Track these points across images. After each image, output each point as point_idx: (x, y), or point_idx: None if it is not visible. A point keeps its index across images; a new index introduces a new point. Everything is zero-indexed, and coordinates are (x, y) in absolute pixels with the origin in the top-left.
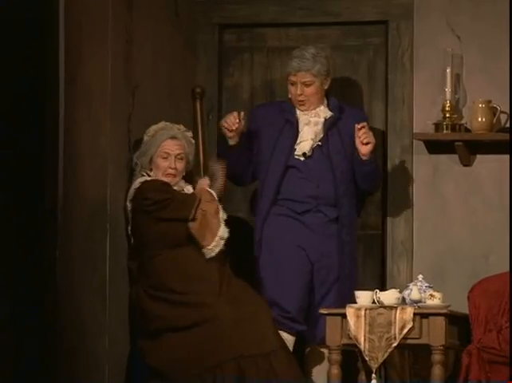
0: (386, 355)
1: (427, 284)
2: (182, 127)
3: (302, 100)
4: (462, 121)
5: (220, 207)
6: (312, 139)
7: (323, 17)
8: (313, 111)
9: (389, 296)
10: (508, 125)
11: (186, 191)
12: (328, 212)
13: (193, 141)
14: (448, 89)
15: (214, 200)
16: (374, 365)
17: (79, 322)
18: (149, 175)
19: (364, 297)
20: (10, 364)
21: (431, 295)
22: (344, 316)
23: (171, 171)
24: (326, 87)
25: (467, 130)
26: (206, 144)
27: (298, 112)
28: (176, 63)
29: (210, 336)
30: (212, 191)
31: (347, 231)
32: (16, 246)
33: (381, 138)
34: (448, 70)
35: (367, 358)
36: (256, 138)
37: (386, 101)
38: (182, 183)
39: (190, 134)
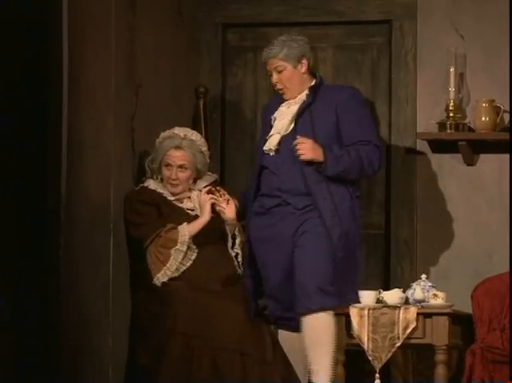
0: (389, 355)
1: (430, 284)
2: (190, 133)
3: (281, 89)
4: (466, 121)
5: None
6: (278, 132)
7: (326, 17)
8: (294, 100)
9: (392, 296)
10: None
11: (191, 198)
12: (297, 202)
13: (203, 148)
14: (452, 89)
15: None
16: (377, 365)
17: (82, 322)
18: (158, 179)
19: (367, 296)
20: (13, 364)
21: (435, 295)
22: (347, 316)
23: (172, 181)
24: (303, 70)
25: (471, 129)
26: (210, 143)
27: (284, 103)
28: (179, 62)
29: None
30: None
31: (327, 215)
32: (19, 246)
33: (388, 137)
34: (452, 70)
35: (370, 358)
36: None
37: (389, 101)
38: (187, 190)
39: (199, 142)
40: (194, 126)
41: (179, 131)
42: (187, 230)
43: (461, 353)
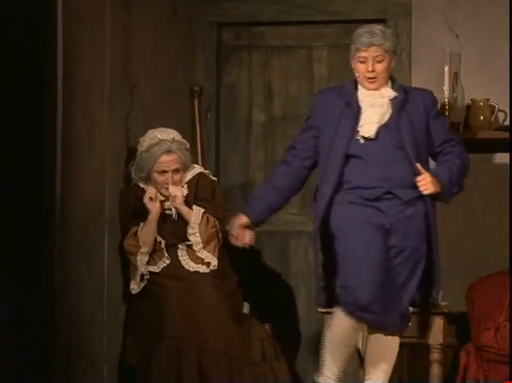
0: None
1: None
2: (174, 133)
3: (373, 77)
4: (461, 119)
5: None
6: (377, 121)
7: (322, 16)
8: (378, 92)
9: None
10: (506, 123)
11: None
12: (403, 195)
13: (187, 145)
14: (446, 88)
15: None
16: None
17: (76, 322)
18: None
19: None
20: (8, 363)
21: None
22: None
23: (166, 186)
24: (392, 65)
25: (466, 128)
26: (204, 142)
27: (361, 93)
28: (174, 61)
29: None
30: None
31: (430, 211)
32: (14, 246)
33: None
34: (446, 69)
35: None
36: (317, 127)
37: None
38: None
39: (183, 140)
40: (190, 125)
41: (162, 135)
42: (143, 234)
43: (456, 352)
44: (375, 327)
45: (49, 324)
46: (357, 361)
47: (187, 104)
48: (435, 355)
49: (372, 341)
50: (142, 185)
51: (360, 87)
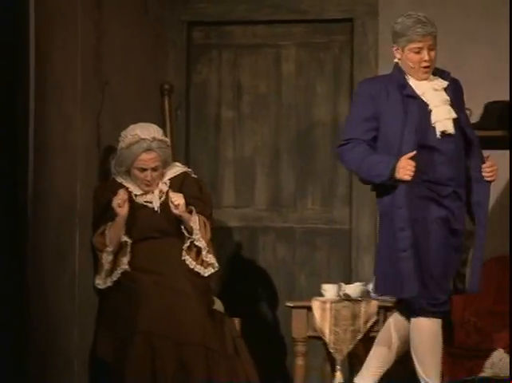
0: (351, 347)
1: None
2: (155, 131)
3: (428, 66)
4: None
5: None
6: (449, 117)
7: (290, 15)
8: (431, 83)
9: (354, 289)
10: (472, 121)
11: (161, 189)
12: (463, 195)
13: (169, 143)
14: None
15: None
16: (339, 357)
17: (49, 317)
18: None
19: (330, 290)
20: None
21: None
22: (309, 309)
23: (147, 182)
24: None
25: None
26: (175, 139)
27: (417, 84)
28: (145, 60)
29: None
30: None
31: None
32: None
33: None
34: None
35: (332, 350)
36: (376, 115)
37: (351, 97)
38: (160, 183)
39: (164, 138)
40: (160, 122)
41: (143, 132)
42: (108, 234)
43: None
44: None
45: (22, 319)
46: (324, 354)
47: (157, 102)
48: None
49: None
50: (120, 180)
51: (408, 77)
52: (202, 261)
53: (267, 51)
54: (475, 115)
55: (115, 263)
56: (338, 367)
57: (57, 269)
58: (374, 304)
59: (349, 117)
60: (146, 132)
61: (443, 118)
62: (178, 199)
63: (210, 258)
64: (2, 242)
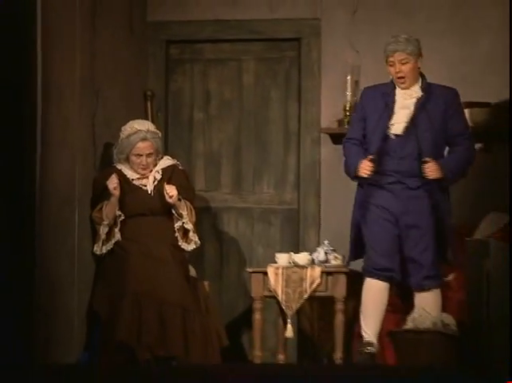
0: (299, 305)
1: (331, 248)
2: (149, 125)
3: (402, 77)
4: None
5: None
6: (405, 121)
7: (249, 35)
8: (409, 90)
9: (302, 258)
10: None
11: (155, 176)
12: (410, 182)
13: (159, 134)
14: (348, 93)
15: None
16: (289, 313)
17: (53, 281)
18: (126, 163)
19: (282, 258)
20: None
21: (335, 257)
22: (265, 273)
23: (142, 167)
24: (419, 65)
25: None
26: None
27: (397, 93)
28: (131, 71)
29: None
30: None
31: (430, 195)
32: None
33: (297, 131)
34: (349, 77)
35: (284, 307)
36: (364, 117)
37: (299, 102)
38: (154, 170)
39: (156, 130)
40: None
41: (140, 125)
42: (104, 210)
43: (356, 303)
44: (414, 287)
45: (31, 282)
46: (278, 310)
47: (141, 106)
48: (339, 306)
49: (417, 298)
50: (119, 167)
51: (396, 87)
52: (187, 238)
53: (231, 64)
54: None
55: (110, 234)
56: (289, 321)
57: (59, 241)
58: (318, 270)
59: (351, 119)
60: (142, 125)
61: (396, 122)
62: (172, 190)
63: (194, 237)
64: (15, 221)
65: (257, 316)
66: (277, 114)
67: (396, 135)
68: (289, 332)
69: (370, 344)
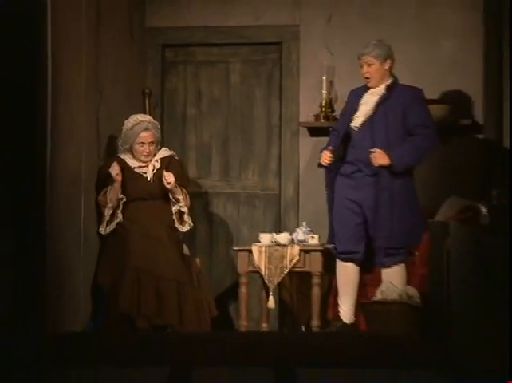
0: (280, 279)
1: (309, 229)
2: (150, 117)
3: (368, 77)
4: (334, 113)
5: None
6: (363, 115)
7: (236, 40)
8: (375, 89)
9: (282, 237)
10: None
11: (154, 165)
12: (368, 170)
13: (159, 125)
14: (324, 91)
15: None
16: (271, 286)
17: (60, 258)
18: (128, 154)
19: (265, 238)
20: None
21: (312, 237)
22: (250, 251)
23: (145, 154)
24: (386, 68)
25: (337, 119)
26: None
27: (367, 92)
28: (131, 72)
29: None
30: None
31: (384, 181)
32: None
33: (279, 125)
34: (324, 78)
35: (266, 281)
36: (344, 113)
37: (280, 100)
38: (153, 160)
39: (156, 122)
40: None
41: (142, 118)
42: (110, 195)
43: (331, 278)
44: (379, 264)
45: (40, 260)
46: (261, 284)
47: (140, 103)
48: (316, 280)
49: (383, 273)
50: (122, 157)
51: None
52: (182, 220)
53: (219, 66)
54: None
55: (113, 216)
56: (271, 293)
57: (67, 223)
58: (296, 248)
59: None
60: (144, 117)
61: (356, 116)
62: (170, 177)
63: (189, 219)
64: (27, 205)
65: (242, 289)
66: (260, 110)
67: (357, 127)
68: (271, 303)
69: (345, 318)
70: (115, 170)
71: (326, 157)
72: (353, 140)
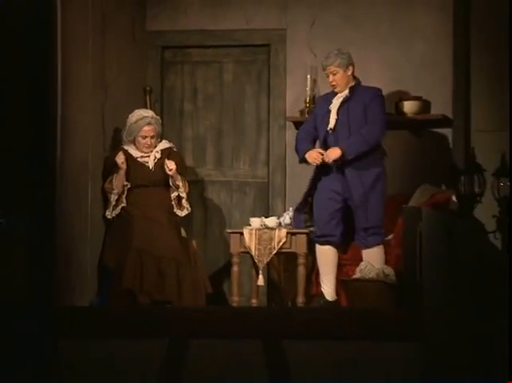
0: (268, 259)
1: None
2: (152, 113)
3: (334, 85)
4: None
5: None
6: (334, 118)
7: (229, 42)
8: (341, 93)
9: (271, 221)
10: None
11: (155, 155)
12: (341, 165)
13: (160, 120)
14: (308, 88)
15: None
16: (261, 265)
17: (70, 239)
18: (131, 145)
19: (255, 222)
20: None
21: None
22: (241, 234)
23: (147, 145)
24: (349, 73)
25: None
26: None
27: (335, 97)
28: (133, 71)
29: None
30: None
31: (351, 174)
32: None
33: (267, 119)
34: (308, 76)
35: (256, 261)
36: (315, 116)
37: (269, 96)
38: (154, 151)
39: (158, 117)
40: None
41: (145, 113)
42: (115, 182)
43: (314, 258)
44: (359, 245)
45: (51, 241)
46: (251, 263)
47: (141, 99)
48: (301, 260)
49: (363, 253)
50: (126, 147)
51: None
52: (181, 206)
53: (214, 65)
54: None
55: (118, 201)
56: (260, 272)
57: (75, 206)
58: (284, 231)
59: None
60: (147, 112)
61: (330, 119)
62: (171, 165)
63: (186, 204)
64: (39, 192)
65: (234, 268)
66: (251, 106)
67: (331, 129)
68: (261, 281)
69: (328, 296)
70: (120, 159)
71: (317, 157)
72: (329, 139)
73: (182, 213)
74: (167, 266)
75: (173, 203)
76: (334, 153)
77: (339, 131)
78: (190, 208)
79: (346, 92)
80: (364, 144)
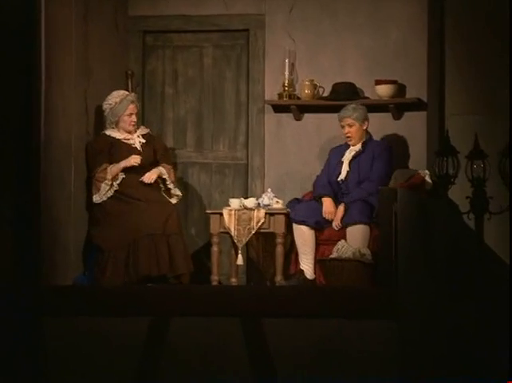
0: (247, 239)
1: (273, 194)
2: (132, 93)
3: (349, 136)
4: (295, 92)
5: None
6: (346, 170)
7: (209, 27)
8: (354, 147)
9: (250, 202)
10: (324, 95)
11: (140, 140)
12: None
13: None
14: (287, 73)
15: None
16: (240, 245)
17: (53, 221)
18: (113, 127)
19: (234, 202)
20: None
21: (276, 201)
22: (221, 214)
23: (132, 123)
24: (364, 128)
25: (298, 98)
26: None
27: (348, 150)
28: (116, 56)
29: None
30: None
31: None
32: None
33: (246, 103)
34: (286, 61)
35: (235, 241)
36: (328, 165)
37: (247, 80)
38: (135, 135)
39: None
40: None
41: (125, 92)
42: (110, 171)
43: (292, 237)
44: (345, 223)
45: (36, 224)
46: (231, 243)
47: (123, 83)
48: (279, 239)
49: (348, 231)
50: (108, 133)
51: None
52: (170, 194)
53: (194, 50)
54: (327, 91)
55: (111, 186)
56: (240, 251)
57: (58, 189)
58: (262, 211)
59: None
60: (127, 93)
61: (341, 171)
62: (149, 179)
63: (175, 191)
64: (23, 173)
65: (214, 248)
66: (230, 89)
67: (341, 180)
68: (240, 260)
69: (307, 274)
70: (136, 160)
71: (329, 216)
72: (340, 188)
73: (173, 201)
74: (159, 240)
75: (163, 193)
76: (339, 213)
77: (349, 180)
78: (180, 194)
79: (359, 146)
80: (364, 194)
